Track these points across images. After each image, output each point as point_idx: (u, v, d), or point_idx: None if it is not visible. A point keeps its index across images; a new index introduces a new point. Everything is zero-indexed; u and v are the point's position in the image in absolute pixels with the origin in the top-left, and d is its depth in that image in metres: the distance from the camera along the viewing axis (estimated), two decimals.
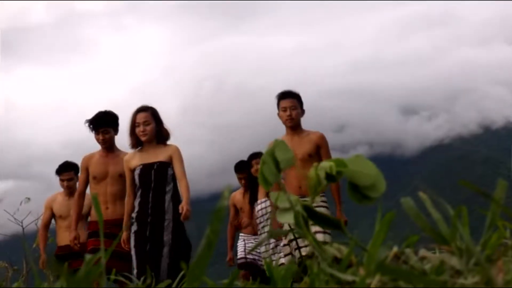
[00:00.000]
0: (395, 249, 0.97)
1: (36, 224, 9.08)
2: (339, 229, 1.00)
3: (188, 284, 0.82)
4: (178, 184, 5.96)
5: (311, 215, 1.00)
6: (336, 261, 0.99)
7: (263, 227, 7.56)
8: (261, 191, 7.61)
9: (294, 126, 6.18)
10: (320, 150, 6.11)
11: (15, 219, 9.32)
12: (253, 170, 7.91)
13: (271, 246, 7.47)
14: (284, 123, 6.20)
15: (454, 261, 0.89)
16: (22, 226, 9.29)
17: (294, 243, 5.82)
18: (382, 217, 0.98)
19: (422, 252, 0.99)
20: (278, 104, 6.26)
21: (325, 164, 1.03)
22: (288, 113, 6.17)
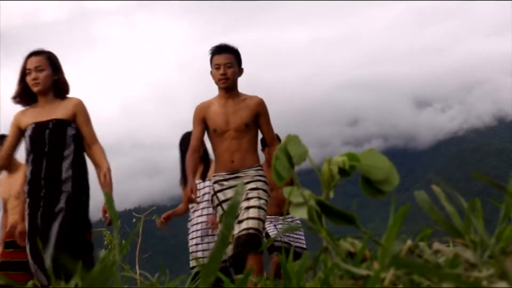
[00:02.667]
0: (409, 242, 0.98)
1: None
2: (353, 224, 1.01)
3: (203, 280, 0.83)
4: (87, 149, 4.87)
5: (325, 210, 1.01)
6: (350, 255, 0.99)
7: (193, 211, 6.65)
8: (198, 172, 6.56)
9: (229, 87, 5.25)
10: (259, 118, 5.27)
11: None
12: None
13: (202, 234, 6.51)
14: (217, 83, 5.27)
15: (468, 254, 0.89)
16: None
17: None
18: (395, 211, 0.98)
19: (436, 245, 0.99)
20: (211, 61, 5.30)
21: (338, 159, 1.03)
22: (222, 71, 5.22)
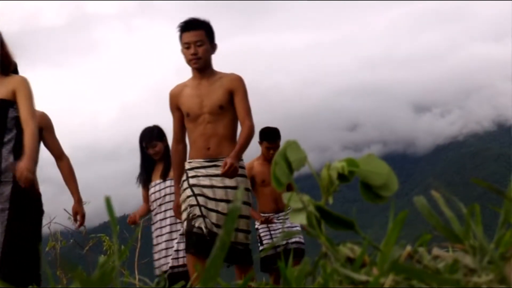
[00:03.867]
0: (408, 248, 0.98)
1: (48, 228, 9.12)
2: (352, 229, 1.01)
3: (202, 285, 0.83)
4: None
5: (324, 215, 1.01)
6: (349, 261, 0.99)
7: (155, 214, 6.18)
8: (157, 171, 6.22)
9: (201, 67, 4.75)
10: (234, 97, 4.74)
11: None
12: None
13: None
14: (188, 64, 4.79)
15: (467, 260, 0.89)
16: None
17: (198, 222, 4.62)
18: (395, 216, 0.98)
19: (435, 250, 0.99)
20: (180, 38, 4.80)
21: (337, 164, 1.03)
22: (192, 50, 4.70)
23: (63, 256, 8.70)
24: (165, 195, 6.11)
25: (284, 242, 6.97)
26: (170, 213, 5.92)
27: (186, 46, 4.74)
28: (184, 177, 4.76)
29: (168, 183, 6.09)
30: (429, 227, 1.03)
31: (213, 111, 4.72)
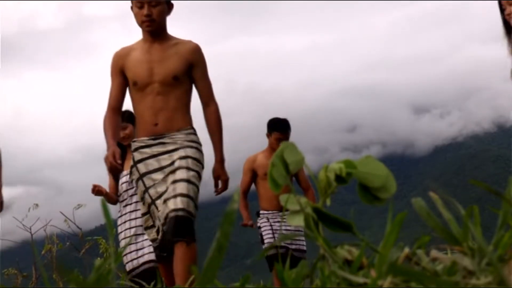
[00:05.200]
0: (407, 250, 0.98)
1: (44, 230, 9.11)
2: (350, 231, 1.01)
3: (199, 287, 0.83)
4: None
5: (321, 217, 1.01)
6: (347, 263, 0.99)
7: (124, 206, 5.83)
8: (129, 159, 5.25)
9: (155, 31, 4.20)
10: (192, 70, 4.22)
11: (23, 225, 9.36)
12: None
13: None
14: (140, 26, 4.22)
15: (466, 262, 0.89)
16: (31, 232, 9.32)
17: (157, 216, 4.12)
18: (393, 218, 0.98)
19: (434, 252, 0.99)
20: None
21: (335, 166, 1.03)
22: (146, 11, 4.14)
23: (59, 259, 8.70)
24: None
25: (283, 244, 6.66)
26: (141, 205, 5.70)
27: (138, 5, 4.15)
28: (131, 162, 4.25)
29: None
30: (427, 229, 1.03)
31: (165, 81, 4.15)
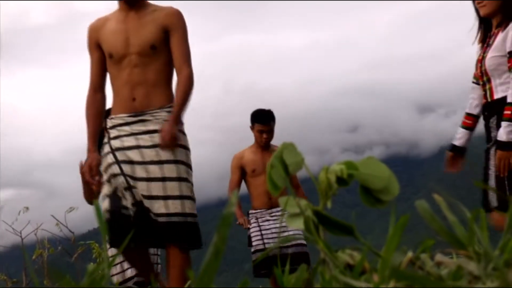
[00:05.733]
0: (410, 254, 0.98)
1: (35, 235, 9.11)
2: (352, 235, 1.01)
3: None
4: None
5: (322, 220, 1.01)
6: (348, 267, 0.99)
7: None
8: None
9: None
10: (169, 36, 3.94)
11: (13, 229, 9.36)
12: None
13: None
14: None
15: (471, 266, 0.89)
16: (21, 236, 9.32)
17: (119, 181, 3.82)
18: (396, 221, 0.98)
19: (438, 257, 0.99)
20: None
21: (336, 167, 1.04)
22: None
23: (51, 264, 8.69)
24: None
25: (267, 243, 6.45)
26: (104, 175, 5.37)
27: None
28: (105, 139, 3.98)
29: None
30: (431, 233, 1.04)
31: (142, 51, 3.90)
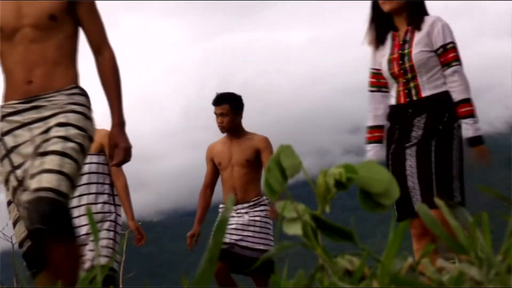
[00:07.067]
0: (411, 259, 0.98)
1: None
2: (351, 240, 1.01)
3: None
4: None
5: (320, 225, 1.01)
6: (347, 273, 1.00)
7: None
8: None
9: None
10: (75, 5, 3.39)
11: (4, 235, 9.34)
12: None
13: None
14: None
15: (473, 272, 0.90)
16: (11, 242, 9.30)
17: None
18: (396, 226, 0.99)
19: (440, 262, 0.99)
20: None
21: (334, 171, 1.04)
22: None
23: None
24: (82, 174, 5.15)
25: (228, 241, 5.94)
26: (87, 199, 5.32)
27: None
28: None
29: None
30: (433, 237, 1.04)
31: (39, 23, 3.31)
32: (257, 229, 5.96)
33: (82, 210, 5.27)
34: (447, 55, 4.15)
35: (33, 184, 3.06)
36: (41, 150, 3.14)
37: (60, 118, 3.21)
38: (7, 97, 3.39)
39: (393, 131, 4.27)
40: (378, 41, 4.37)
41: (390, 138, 4.30)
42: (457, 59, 4.17)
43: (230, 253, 5.89)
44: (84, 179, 5.24)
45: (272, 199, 1.10)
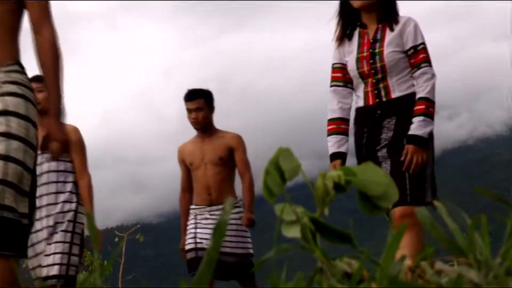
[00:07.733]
0: (409, 262, 0.98)
1: None
2: (350, 243, 1.01)
3: None
4: None
5: (319, 228, 1.01)
6: (346, 276, 1.00)
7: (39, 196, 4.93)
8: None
9: None
10: None
11: None
12: None
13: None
14: None
15: (472, 274, 0.90)
16: None
17: None
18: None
19: (438, 265, 1.00)
20: None
21: (333, 173, 1.04)
22: None
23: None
24: (41, 174, 5.00)
25: (206, 246, 5.66)
26: (47, 199, 5.12)
27: None
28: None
29: (47, 157, 4.92)
30: (432, 240, 1.04)
31: None
32: (233, 233, 5.80)
33: (42, 211, 5.09)
34: (417, 56, 4.10)
35: None
36: None
37: None
38: None
39: (361, 134, 4.18)
40: (345, 37, 4.30)
41: (358, 143, 4.19)
42: (427, 60, 4.11)
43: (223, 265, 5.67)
44: (43, 178, 5.10)
45: (271, 201, 1.10)
